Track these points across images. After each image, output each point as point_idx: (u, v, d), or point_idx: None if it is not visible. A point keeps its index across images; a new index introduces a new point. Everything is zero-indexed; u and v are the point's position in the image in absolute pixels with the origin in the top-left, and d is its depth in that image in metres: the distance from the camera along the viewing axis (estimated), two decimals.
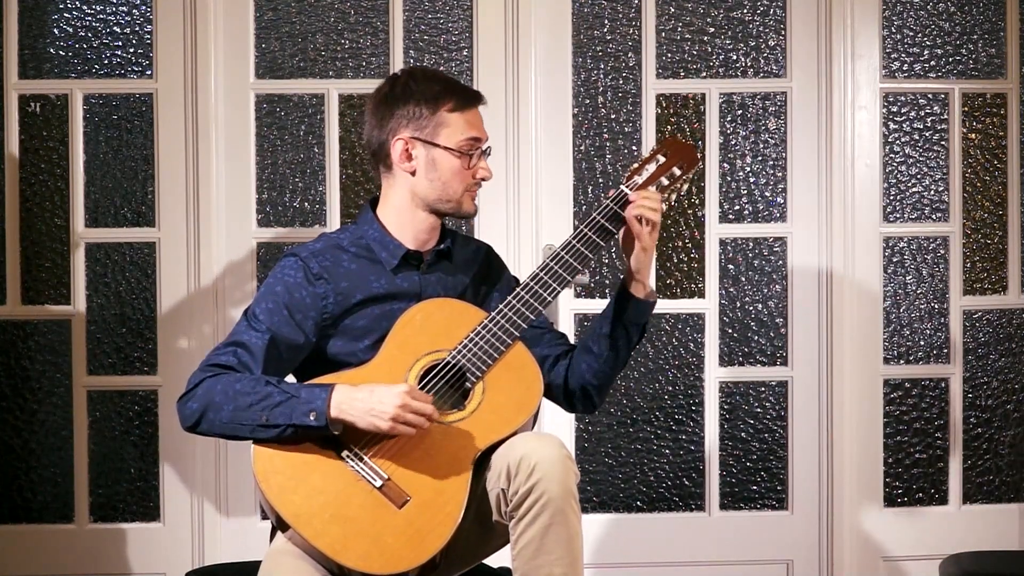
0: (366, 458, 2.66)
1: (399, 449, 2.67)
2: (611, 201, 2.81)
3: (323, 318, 2.79)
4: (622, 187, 2.82)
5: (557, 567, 2.58)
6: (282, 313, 2.75)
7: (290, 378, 2.81)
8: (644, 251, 2.81)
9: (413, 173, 2.84)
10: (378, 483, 2.65)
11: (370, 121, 2.87)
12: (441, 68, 4.02)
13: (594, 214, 2.81)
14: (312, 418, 2.63)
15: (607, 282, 4.06)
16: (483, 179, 2.87)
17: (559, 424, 4.00)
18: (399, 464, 2.66)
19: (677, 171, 2.85)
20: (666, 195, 2.85)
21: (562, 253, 2.79)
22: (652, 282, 2.95)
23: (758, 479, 4.10)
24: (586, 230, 2.80)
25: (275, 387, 2.67)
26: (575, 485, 2.61)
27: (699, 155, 2.90)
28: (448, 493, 2.64)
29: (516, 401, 2.72)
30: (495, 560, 2.87)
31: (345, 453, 2.67)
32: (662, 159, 2.86)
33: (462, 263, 2.94)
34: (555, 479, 2.57)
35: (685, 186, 2.88)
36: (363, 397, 2.64)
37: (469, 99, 2.85)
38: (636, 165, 2.86)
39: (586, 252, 2.79)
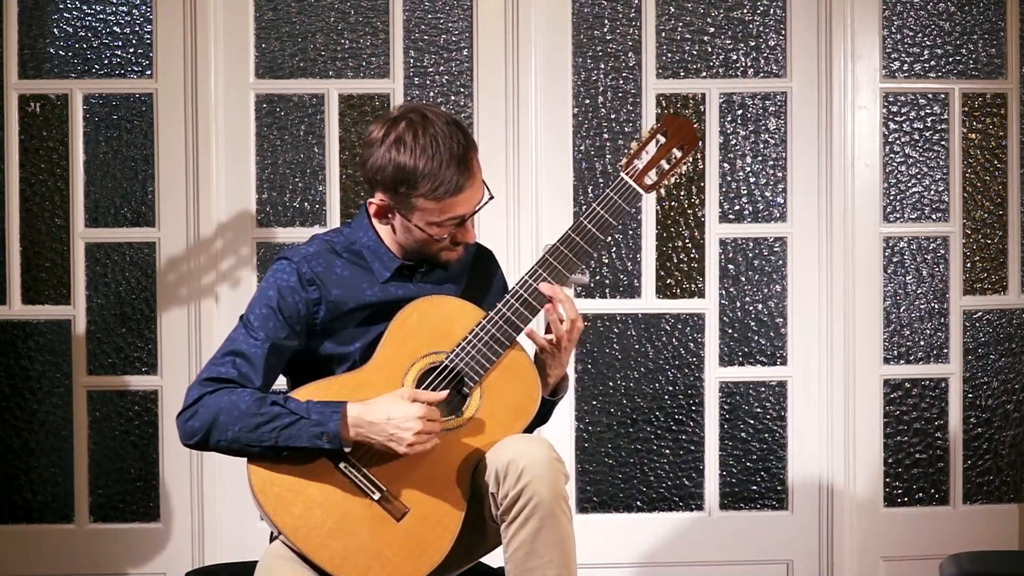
0: (364, 470, 2.63)
1: (398, 460, 2.63)
2: (612, 192, 2.71)
3: (313, 322, 2.72)
4: (622, 175, 2.72)
5: (550, 569, 2.57)
6: (277, 318, 2.68)
7: (280, 382, 2.78)
8: (546, 350, 2.72)
9: (393, 229, 2.73)
10: (376, 496, 2.62)
11: (364, 152, 2.70)
12: (441, 69, 4.02)
13: (595, 205, 2.70)
14: (324, 441, 2.58)
15: (607, 282, 4.05)
16: (463, 244, 2.73)
17: (559, 424, 4.00)
18: (397, 475, 2.63)
19: (678, 153, 2.74)
20: (665, 180, 2.74)
21: (561, 247, 2.69)
22: (565, 373, 2.82)
23: (758, 479, 4.10)
24: (586, 223, 2.70)
25: (282, 407, 2.60)
26: (564, 487, 2.58)
27: (699, 134, 2.79)
28: (447, 505, 2.63)
29: (514, 406, 2.68)
30: (494, 560, 2.87)
31: (343, 464, 2.63)
32: (662, 139, 2.74)
33: (457, 270, 2.82)
34: (544, 482, 2.54)
35: (684, 167, 2.76)
36: (380, 423, 2.58)
37: (448, 191, 2.63)
38: (635, 147, 2.74)
39: (585, 247, 2.69)
